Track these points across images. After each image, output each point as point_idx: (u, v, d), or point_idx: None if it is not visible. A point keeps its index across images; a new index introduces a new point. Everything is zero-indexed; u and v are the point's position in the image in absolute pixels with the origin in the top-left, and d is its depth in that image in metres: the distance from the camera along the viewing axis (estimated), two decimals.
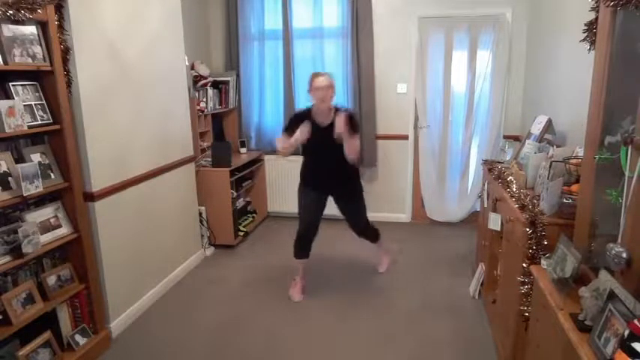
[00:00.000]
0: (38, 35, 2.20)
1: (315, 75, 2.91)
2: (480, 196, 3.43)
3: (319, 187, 3.10)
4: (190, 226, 3.70)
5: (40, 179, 2.19)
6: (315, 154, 3.04)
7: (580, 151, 2.19)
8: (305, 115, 2.94)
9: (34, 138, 2.31)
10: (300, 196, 3.14)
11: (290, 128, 2.92)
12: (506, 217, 2.43)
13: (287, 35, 4.42)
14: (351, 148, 2.84)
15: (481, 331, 2.74)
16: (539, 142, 2.75)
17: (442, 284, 3.33)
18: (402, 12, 4.25)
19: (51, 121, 2.30)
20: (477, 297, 3.12)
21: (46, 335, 2.30)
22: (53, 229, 2.36)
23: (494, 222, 2.64)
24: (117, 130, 2.75)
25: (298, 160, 4.54)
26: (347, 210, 3.26)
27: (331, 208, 3.22)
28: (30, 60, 2.16)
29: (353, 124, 2.86)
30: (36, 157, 2.26)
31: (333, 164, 2.97)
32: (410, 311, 2.98)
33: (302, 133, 2.80)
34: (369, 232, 3.38)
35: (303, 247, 3.14)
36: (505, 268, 2.49)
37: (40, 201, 2.35)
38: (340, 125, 2.70)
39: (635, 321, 1.11)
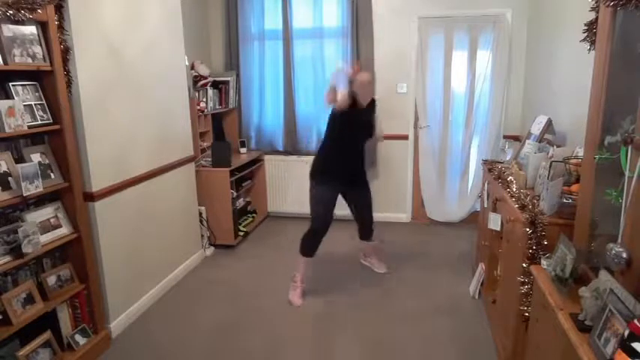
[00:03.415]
0: (38, 35, 2.20)
1: (357, 71, 3.01)
2: (479, 196, 3.43)
3: (340, 176, 3.13)
4: (190, 226, 3.70)
5: (40, 179, 2.19)
6: (346, 139, 3.09)
7: (580, 151, 2.19)
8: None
9: (34, 138, 2.31)
10: (316, 193, 3.12)
11: None
12: (506, 217, 2.42)
13: (287, 35, 4.43)
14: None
15: (481, 331, 2.74)
16: (539, 142, 2.75)
17: (442, 284, 3.33)
18: (402, 12, 4.25)
19: (51, 121, 2.30)
20: (476, 297, 3.12)
21: (46, 335, 2.30)
22: (53, 229, 2.35)
23: (494, 222, 2.64)
24: (117, 130, 2.75)
25: (299, 161, 4.64)
26: (361, 201, 3.34)
27: None
28: (30, 60, 2.16)
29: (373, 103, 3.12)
30: (36, 157, 2.26)
31: (358, 150, 3.19)
32: (410, 311, 2.98)
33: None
34: (373, 228, 3.45)
35: (315, 244, 3.15)
36: (505, 268, 2.49)
37: (40, 201, 2.35)
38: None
39: (635, 321, 1.11)
